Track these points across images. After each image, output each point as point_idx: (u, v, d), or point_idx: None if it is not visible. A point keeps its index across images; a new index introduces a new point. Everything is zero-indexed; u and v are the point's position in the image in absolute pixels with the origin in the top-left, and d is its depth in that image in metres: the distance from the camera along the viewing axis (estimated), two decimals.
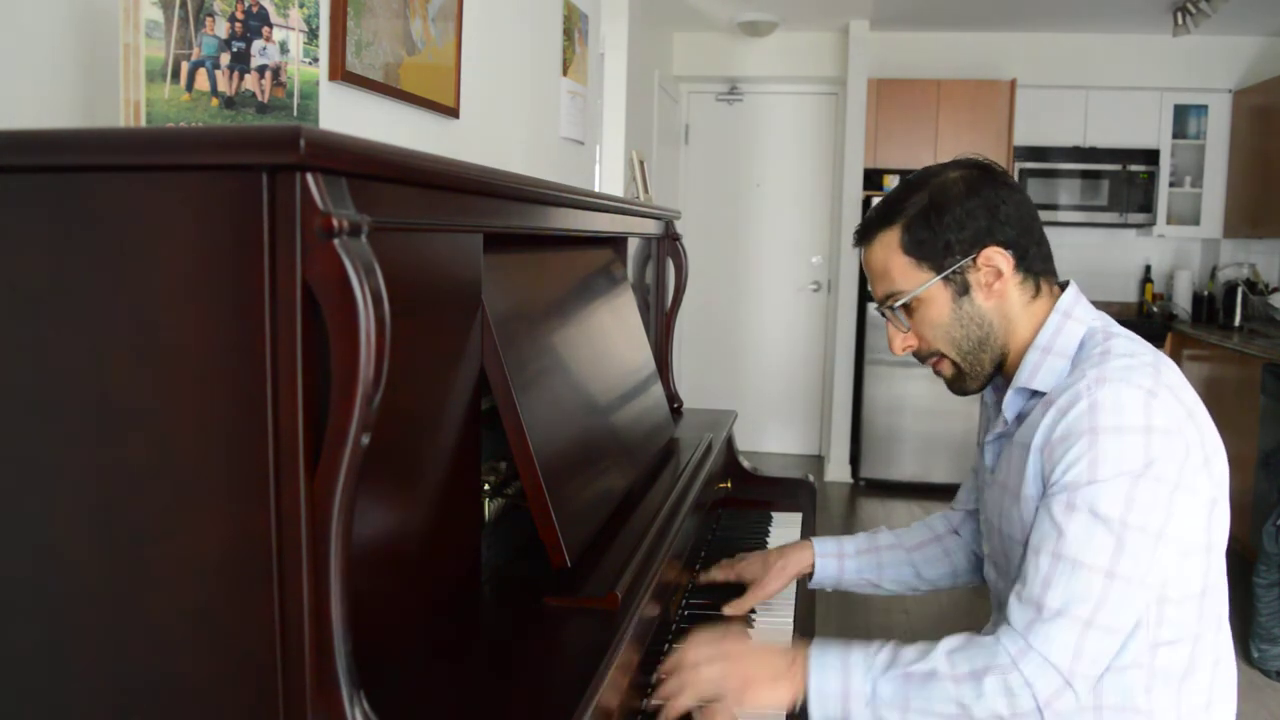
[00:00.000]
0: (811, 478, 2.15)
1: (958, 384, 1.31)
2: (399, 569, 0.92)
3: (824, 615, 3.46)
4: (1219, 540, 1.17)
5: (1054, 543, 1.10)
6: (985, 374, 1.28)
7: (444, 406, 1.01)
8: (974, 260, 1.22)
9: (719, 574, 1.56)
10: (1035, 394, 1.24)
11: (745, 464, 2.13)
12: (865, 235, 1.30)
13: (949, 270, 1.23)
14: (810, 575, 1.55)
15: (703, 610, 1.50)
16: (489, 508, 1.22)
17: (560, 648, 1.02)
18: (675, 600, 1.45)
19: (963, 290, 1.24)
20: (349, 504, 0.68)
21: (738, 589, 1.53)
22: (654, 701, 1.16)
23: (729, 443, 2.07)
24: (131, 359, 0.70)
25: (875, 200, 5.22)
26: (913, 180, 1.28)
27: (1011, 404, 1.26)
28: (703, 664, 1.16)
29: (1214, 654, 1.20)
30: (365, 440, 0.68)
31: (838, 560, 1.54)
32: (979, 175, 1.24)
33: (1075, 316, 1.24)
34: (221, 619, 0.70)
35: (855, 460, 5.49)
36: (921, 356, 1.31)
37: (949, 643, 1.14)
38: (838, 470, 5.52)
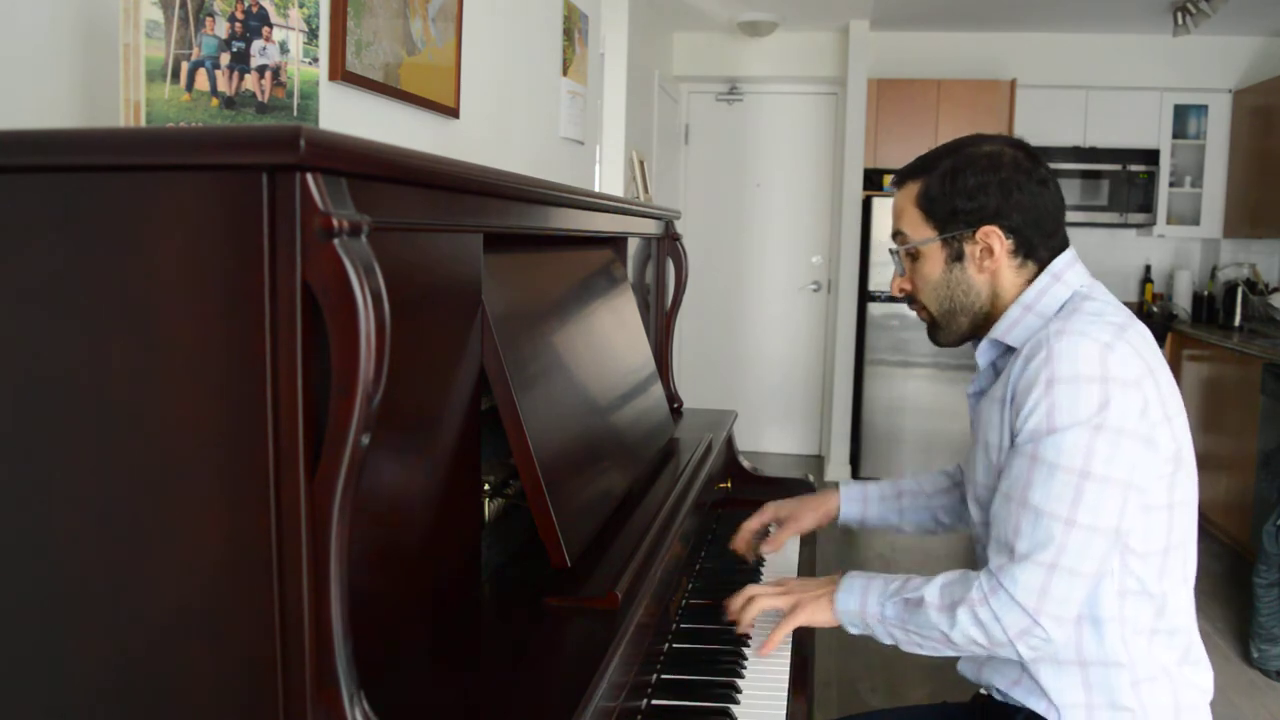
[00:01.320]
0: (811, 477, 2.15)
1: (931, 333, 1.40)
2: (399, 569, 0.92)
3: None
4: (1184, 500, 1.23)
5: (1020, 490, 1.17)
6: (959, 333, 1.36)
7: (444, 406, 1.01)
8: (973, 233, 1.29)
9: (755, 521, 1.66)
10: (1010, 350, 1.30)
11: (745, 464, 2.13)
12: (900, 179, 1.38)
13: (948, 234, 1.31)
14: (837, 517, 1.68)
15: (702, 611, 1.50)
16: (489, 508, 1.22)
17: (560, 648, 1.02)
18: (675, 600, 1.45)
19: (956, 256, 1.31)
20: (349, 504, 0.68)
21: (740, 581, 1.53)
22: (725, 617, 1.38)
23: (729, 443, 2.07)
24: (131, 359, 0.70)
25: (875, 200, 5.25)
26: (955, 142, 1.35)
27: (984, 352, 1.34)
28: (761, 593, 1.36)
29: (1187, 614, 1.27)
30: (365, 440, 0.68)
31: (862, 505, 1.66)
32: (1011, 156, 1.30)
33: (1064, 280, 1.29)
34: (221, 619, 0.70)
35: (855, 460, 5.49)
36: (911, 300, 1.40)
37: (944, 576, 1.24)
38: (838, 470, 5.52)
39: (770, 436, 6.02)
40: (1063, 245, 1.32)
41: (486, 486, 1.22)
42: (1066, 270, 1.30)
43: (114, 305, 0.70)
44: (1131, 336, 1.20)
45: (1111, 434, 1.14)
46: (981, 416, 1.32)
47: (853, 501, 1.66)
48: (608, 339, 1.63)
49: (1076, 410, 1.14)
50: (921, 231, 1.33)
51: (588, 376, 1.45)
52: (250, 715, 0.70)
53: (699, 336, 5.87)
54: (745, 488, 2.11)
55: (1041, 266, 1.30)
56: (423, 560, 0.97)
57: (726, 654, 1.37)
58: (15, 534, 0.74)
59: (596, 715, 0.90)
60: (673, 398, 2.19)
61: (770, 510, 1.67)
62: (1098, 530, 1.14)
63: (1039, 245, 1.29)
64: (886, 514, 1.66)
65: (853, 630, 1.30)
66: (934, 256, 1.33)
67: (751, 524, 1.66)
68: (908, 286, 1.39)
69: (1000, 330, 1.31)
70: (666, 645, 1.35)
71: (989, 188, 1.27)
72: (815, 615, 1.32)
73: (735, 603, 1.37)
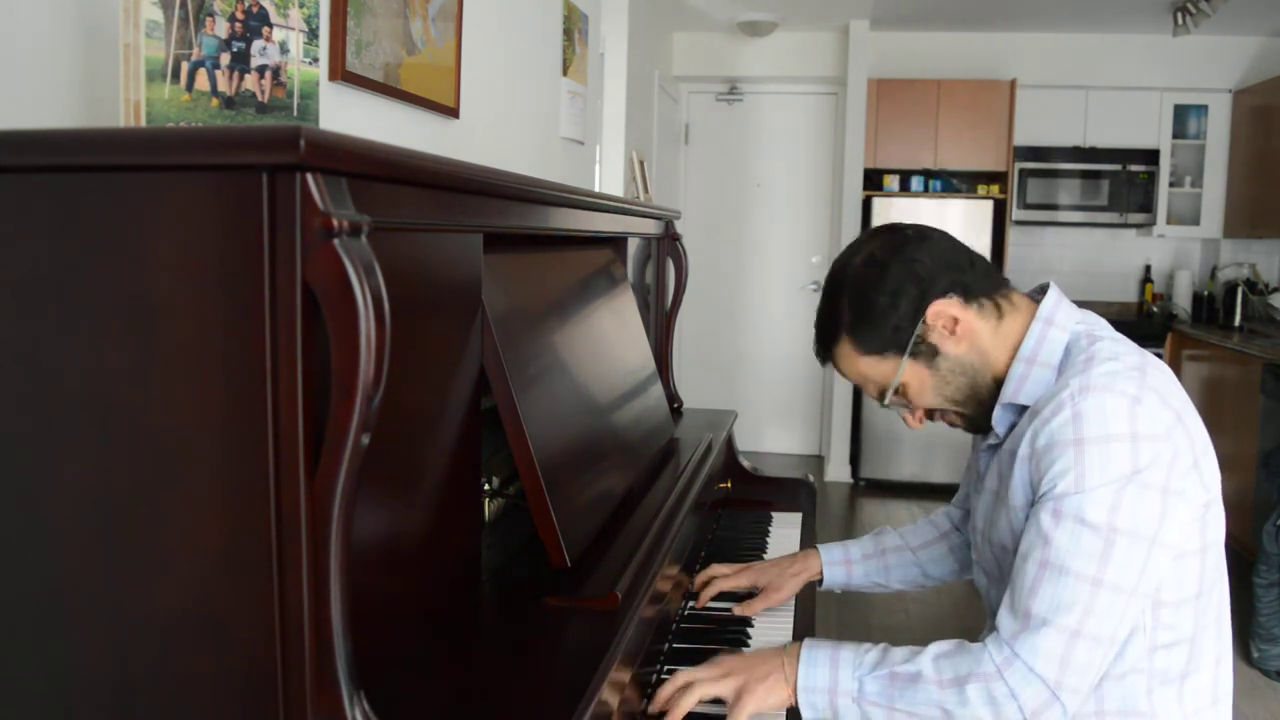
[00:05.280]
0: (811, 478, 2.15)
1: (972, 427, 1.31)
2: (399, 569, 0.92)
3: (824, 616, 3.47)
4: (1214, 540, 1.16)
5: (1040, 550, 1.09)
6: (988, 409, 1.27)
7: (444, 406, 1.01)
8: (925, 322, 1.22)
9: (728, 583, 1.54)
10: (1023, 408, 1.23)
11: (745, 464, 2.13)
12: (822, 356, 1.31)
13: (910, 346, 1.22)
14: (820, 581, 1.58)
15: (702, 610, 1.50)
16: (489, 508, 1.22)
17: (560, 648, 1.02)
18: (675, 600, 1.45)
19: (933, 354, 1.23)
20: (349, 504, 0.68)
21: (734, 594, 1.53)
22: (652, 709, 1.16)
23: (729, 443, 2.07)
24: (131, 359, 0.70)
25: (875, 200, 5.25)
26: (828, 289, 1.28)
27: (1001, 420, 1.25)
28: (699, 679, 1.17)
29: (1214, 653, 1.19)
30: (365, 440, 0.68)
31: (845, 567, 1.56)
32: (881, 245, 1.24)
33: (1057, 323, 1.23)
34: (222, 619, 0.70)
35: (855, 460, 5.49)
36: (932, 419, 1.32)
37: (937, 647, 1.14)
38: (838, 470, 5.52)
39: (770, 436, 6.02)
40: (988, 270, 1.26)
41: (486, 486, 1.22)
42: (1056, 312, 1.24)
43: (114, 305, 0.70)
44: (1153, 379, 1.14)
45: (1141, 489, 1.07)
46: (997, 471, 1.26)
47: (835, 565, 1.56)
48: (608, 339, 1.63)
49: (1109, 470, 1.07)
50: (887, 369, 1.24)
51: (588, 376, 1.45)
52: (250, 716, 0.70)
53: (699, 336, 5.87)
54: (745, 488, 2.11)
55: (996, 302, 1.24)
56: (423, 560, 0.97)
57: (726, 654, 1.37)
58: (15, 534, 0.74)
59: (596, 715, 0.90)
60: (673, 398, 2.19)
61: (750, 576, 1.54)
62: (1123, 590, 1.07)
63: (975, 283, 1.23)
64: (871, 574, 1.56)
65: (811, 715, 1.15)
66: (916, 374, 1.24)
67: (728, 584, 1.54)
68: (920, 415, 1.31)
69: (1009, 392, 1.23)
70: (666, 645, 1.35)
71: (899, 284, 1.21)
72: (767, 699, 1.15)
73: (664, 691, 1.17)
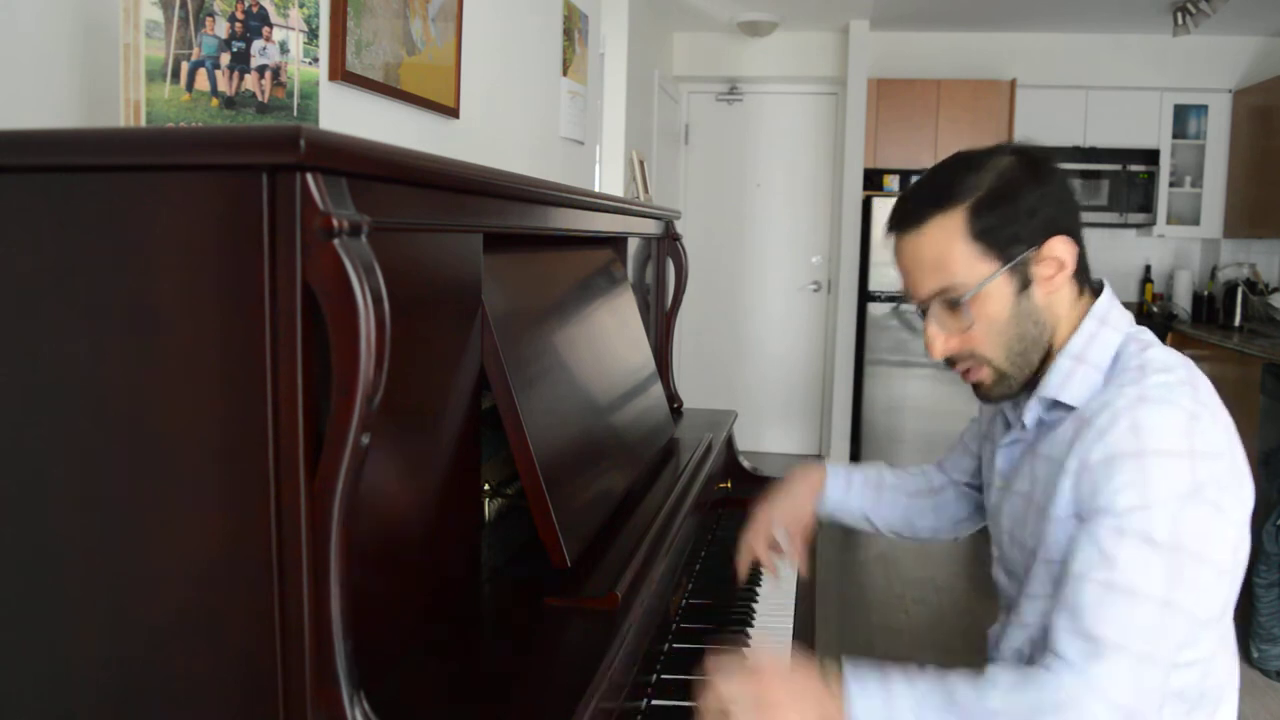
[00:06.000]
0: None
1: (997, 389, 1.19)
2: (399, 569, 0.92)
3: (823, 617, 3.47)
4: (1242, 561, 1.13)
5: (1104, 571, 1.03)
6: (1027, 377, 1.18)
7: (444, 406, 1.01)
8: (1038, 250, 1.12)
9: (759, 537, 1.45)
10: (1058, 403, 1.16)
11: (745, 464, 2.13)
12: (915, 219, 1.14)
13: (1015, 261, 1.11)
14: (820, 493, 1.52)
15: (702, 611, 1.50)
16: (489, 508, 1.22)
17: (560, 648, 1.02)
18: (675, 600, 1.45)
19: (1024, 285, 1.13)
20: (349, 504, 0.68)
21: (737, 594, 1.53)
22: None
23: (729, 443, 2.07)
24: (131, 359, 0.70)
25: (875, 200, 5.24)
26: (962, 162, 1.15)
27: (1033, 411, 1.18)
28: (734, 708, 1.02)
29: (1227, 670, 1.18)
30: (365, 440, 0.68)
31: (845, 488, 1.52)
32: (1037, 159, 1.15)
33: (1111, 323, 1.16)
34: (221, 618, 0.70)
35: (855, 460, 5.49)
36: (955, 360, 1.19)
37: (1003, 678, 1.05)
38: None
39: (770, 436, 6.02)
40: (1085, 253, 1.18)
41: (486, 486, 1.22)
42: (1110, 311, 1.17)
43: (114, 305, 0.70)
44: (1203, 394, 1.10)
45: (1199, 507, 1.03)
46: (1029, 473, 1.19)
47: (837, 480, 1.50)
48: (608, 339, 1.63)
49: (1172, 485, 1.02)
50: (980, 270, 1.11)
51: (588, 376, 1.45)
52: (250, 715, 0.70)
53: (699, 336, 5.87)
54: (745, 488, 2.11)
55: (1081, 279, 1.17)
56: (423, 560, 0.97)
57: (726, 654, 1.37)
58: (15, 534, 0.74)
59: (596, 715, 0.90)
60: (673, 397, 2.19)
61: (764, 516, 1.45)
62: (1184, 610, 1.03)
63: (1082, 247, 1.15)
64: (866, 503, 1.51)
65: None
66: (998, 294, 1.12)
67: (757, 542, 1.44)
68: (956, 344, 1.16)
69: (1052, 386, 1.15)
70: (666, 645, 1.35)
71: (1047, 196, 1.11)
72: None
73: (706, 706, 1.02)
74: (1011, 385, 1.18)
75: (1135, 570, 1.02)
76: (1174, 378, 1.09)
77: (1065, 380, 1.15)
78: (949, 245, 1.12)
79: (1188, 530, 1.03)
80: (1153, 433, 1.04)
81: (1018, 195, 1.11)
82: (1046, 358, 1.17)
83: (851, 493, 1.51)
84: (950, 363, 1.19)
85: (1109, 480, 1.04)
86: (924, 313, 1.17)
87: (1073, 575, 1.06)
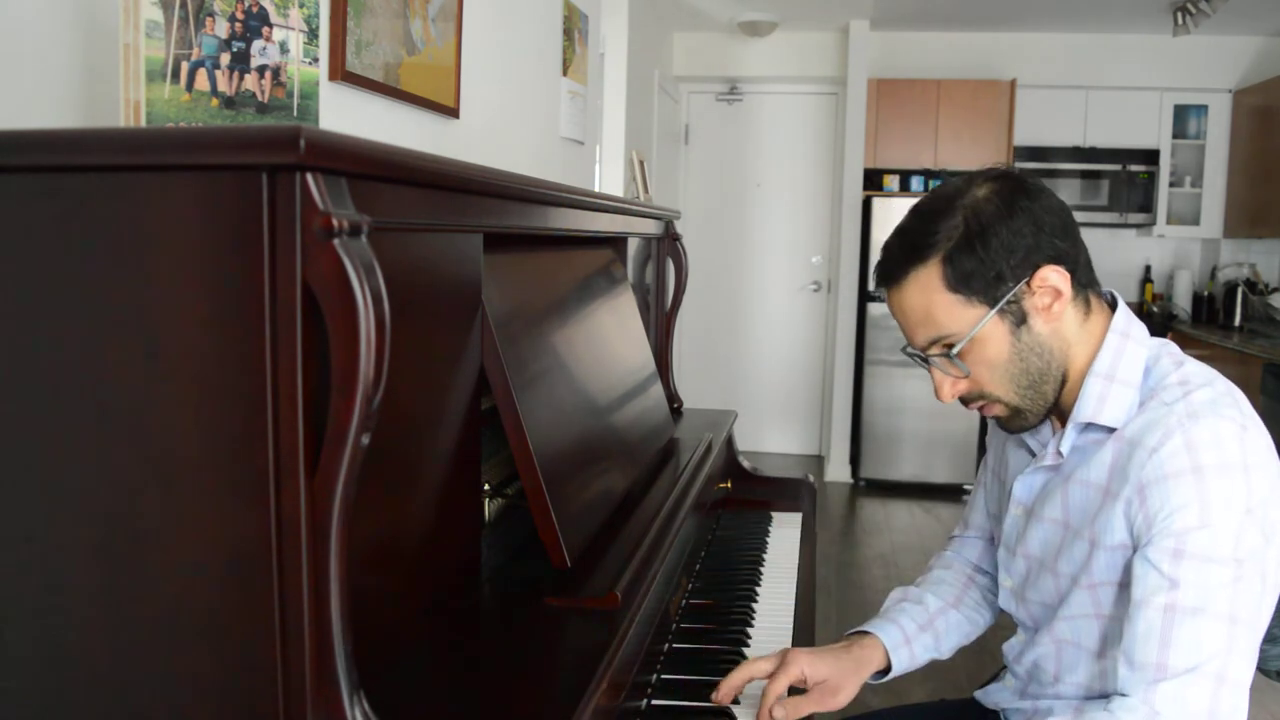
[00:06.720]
0: (811, 478, 2.15)
1: (1014, 422, 1.17)
2: (399, 569, 0.92)
3: (824, 618, 3.46)
4: (1277, 583, 1.08)
5: (1165, 595, 1.00)
6: (1046, 407, 1.15)
7: (444, 406, 1.01)
8: (1028, 283, 1.08)
9: (773, 687, 1.19)
10: (1092, 424, 1.13)
11: (745, 464, 2.13)
12: (893, 275, 1.13)
13: (1004, 300, 1.08)
14: (885, 671, 1.33)
15: (702, 611, 1.50)
16: (489, 508, 1.22)
17: (560, 648, 1.02)
18: (675, 600, 1.45)
19: (1020, 320, 1.10)
20: (349, 504, 0.68)
21: (740, 594, 1.53)
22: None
23: (729, 443, 2.07)
24: (131, 359, 0.70)
25: (875, 200, 5.24)
26: (934, 206, 1.12)
27: (1069, 439, 1.14)
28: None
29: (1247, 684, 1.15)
30: (365, 440, 0.68)
31: (908, 649, 1.33)
32: (1011, 187, 1.10)
33: (1134, 337, 1.13)
34: (221, 619, 0.70)
35: (855, 460, 5.49)
36: (969, 400, 1.16)
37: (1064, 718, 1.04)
38: (838, 470, 5.52)
39: (770, 436, 6.02)
40: (1089, 261, 1.14)
41: (486, 486, 1.22)
42: (1130, 325, 1.13)
43: (114, 305, 0.70)
44: (1244, 405, 1.08)
45: (1256, 521, 1.01)
46: (1063, 501, 1.16)
47: (899, 650, 1.31)
48: (608, 339, 1.63)
49: (1231, 501, 1.00)
50: (967, 316, 1.09)
51: (588, 376, 1.45)
52: (250, 715, 0.70)
53: (699, 336, 5.87)
54: (745, 488, 2.11)
55: (1087, 296, 1.14)
56: (423, 560, 0.97)
57: (726, 654, 1.37)
58: (15, 534, 0.74)
59: (596, 715, 0.90)
60: (673, 398, 2.19)
61: (796, 666, 1.20)
62: (1250, 626, 1.00)
63: (1081, 266, 1.12)
64: (928, 648, 1.35)
65: None
66: (993, 336, 1.09)
67: (775, 685, 1.18)
68: (964, 387, 1.14)
69: (1088, 410, 1.11)
70: (666, 645, 1.35)
71: (1021, 228, 1.07)
72: None
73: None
74: (1028, 418, 1.16)
75: (1200, 589, 0.99)
76: (1215, 392, 1.07)
77: (1100, 402, 1.11)
78: (930, 299, 1.10)
79: (1248, 545, 1.01)
80: (1208, 448, 1.02)
81: (993, 234, 1.07)
82: (1065, 382, 1.14)
83: (915, 651, 1.34)
84: (967, 402, 1.17)
85: (1166, 499, 1.02)
86: (925, 359, 1.16)
87: (1131, 604, 1.04)
